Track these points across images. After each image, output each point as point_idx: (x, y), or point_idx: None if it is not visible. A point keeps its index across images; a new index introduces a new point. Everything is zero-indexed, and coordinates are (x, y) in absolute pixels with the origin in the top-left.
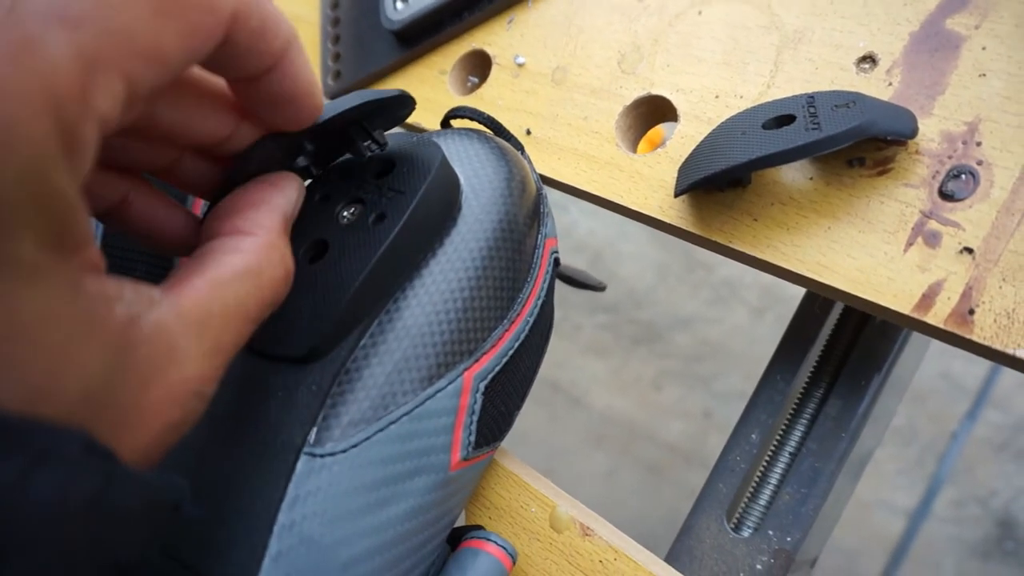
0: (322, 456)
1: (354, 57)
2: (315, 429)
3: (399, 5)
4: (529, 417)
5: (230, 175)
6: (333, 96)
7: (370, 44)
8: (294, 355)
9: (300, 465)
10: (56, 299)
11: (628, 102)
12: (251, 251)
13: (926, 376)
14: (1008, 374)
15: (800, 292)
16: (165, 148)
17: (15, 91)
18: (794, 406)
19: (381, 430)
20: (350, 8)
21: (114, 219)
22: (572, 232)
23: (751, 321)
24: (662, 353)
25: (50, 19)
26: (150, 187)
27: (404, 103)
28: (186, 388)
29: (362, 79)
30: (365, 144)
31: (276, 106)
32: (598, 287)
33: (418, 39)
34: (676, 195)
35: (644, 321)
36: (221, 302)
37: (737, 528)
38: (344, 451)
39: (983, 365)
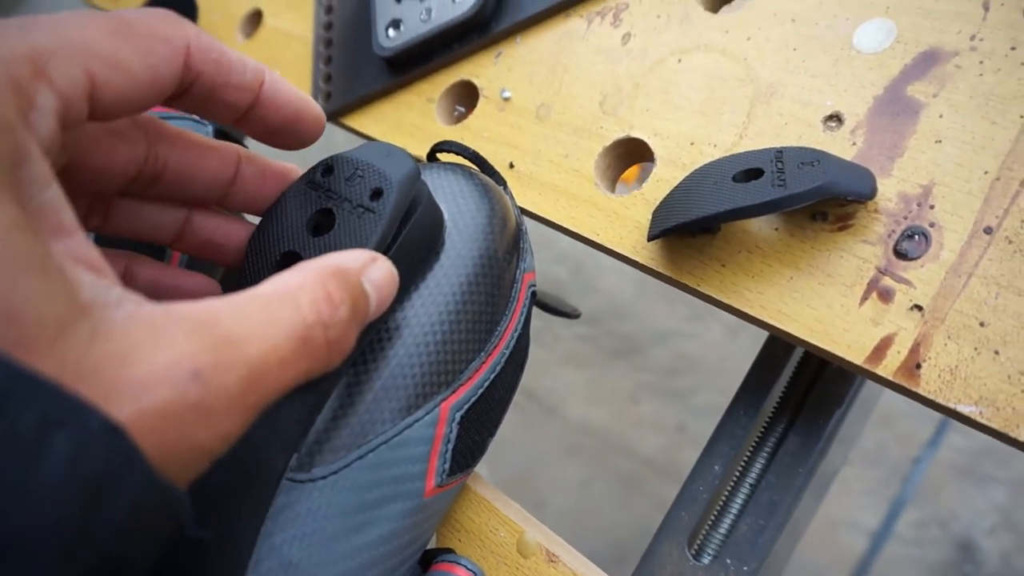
0: (303, 482)
1: (345, 79)
2: (296, 455)
3: (391, 32)
4: (506, 425)
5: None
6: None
7: (361, 68)
8: None
9: (282, 490)
10: None
11: (608, 143)
12: (290, 279)
13: (895, 399)
14: None
15: None
16: (174, 206)
17: None
18: (756, 440)
19: (360, 457)
20: (343, 29)
21: (182, 242)
22: (554, 244)
23: (726, 338)
24: (639, 366)
25: (8, 30)
26: (206, 210)
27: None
28: (177, 367)
29: (351, 101)
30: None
31: (282, 131)
32: (572, 314)
33: (408, 67)
34: (649, 239)
35: (623, 334)
36: (234, 310)
37: (697, 555)
38: (324, 477)
39: None
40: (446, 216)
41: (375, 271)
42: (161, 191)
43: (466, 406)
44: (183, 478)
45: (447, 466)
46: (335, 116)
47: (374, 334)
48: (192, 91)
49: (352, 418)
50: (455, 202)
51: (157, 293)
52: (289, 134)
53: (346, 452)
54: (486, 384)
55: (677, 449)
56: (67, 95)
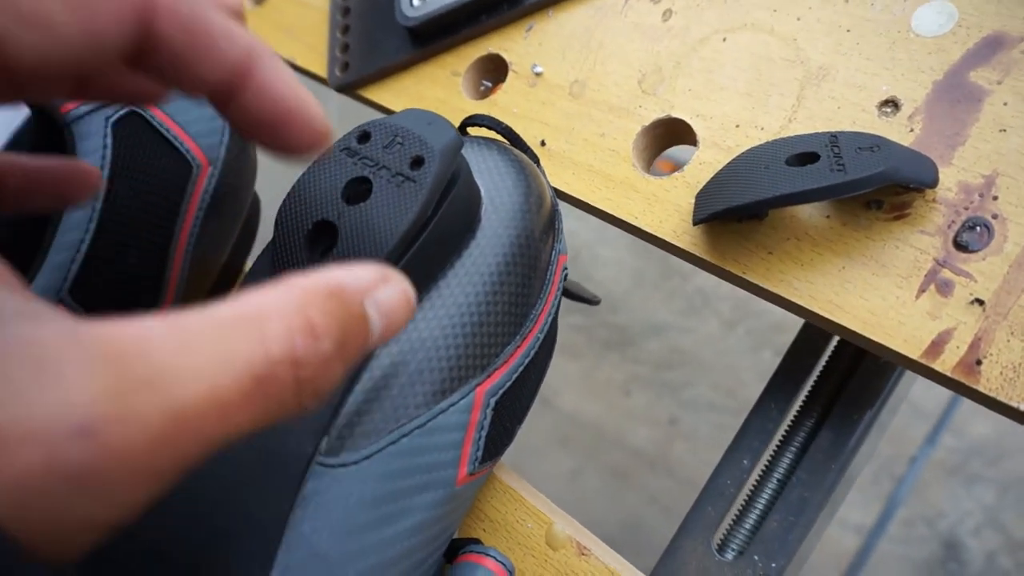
0: (333, 467)
1: (363, 50)
2: (326, 438)
3: (416, 2)
4: None
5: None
6: (340, 88)
7: (381, 38)
8: None
9: (310, 475)
10: None
11: (647, 123)
12: (266, 299)
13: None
14: (965, 399)
15: (775, 311)
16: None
17: None
18: (784, 434)
19: (393, 443)
20: None
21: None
22: None
23: (722, 332)
24: (633, 358)
25: None
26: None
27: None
28: (57, 421)
29: (371, 73)
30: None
31: (265, 126)
32: (593, 300)
33: (433, 38)
34: (695, 223)
35: (617, 325)
36: (173, 340)
37: (722, 550)
38: (356, 463)
39: (942, 391)
40: (482, 193)
41: (385, 292)
42: (150, 66)
43: (501, 391)
44: (64, 553)
45: (480, 453)
46: (353, 87)
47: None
48: (155, 58)
49: (385, 401)
50: (491, 179)
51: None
52: (275, 136)
53: (378, 436)
54: (520, 369)
55: (668, 442)
56: None
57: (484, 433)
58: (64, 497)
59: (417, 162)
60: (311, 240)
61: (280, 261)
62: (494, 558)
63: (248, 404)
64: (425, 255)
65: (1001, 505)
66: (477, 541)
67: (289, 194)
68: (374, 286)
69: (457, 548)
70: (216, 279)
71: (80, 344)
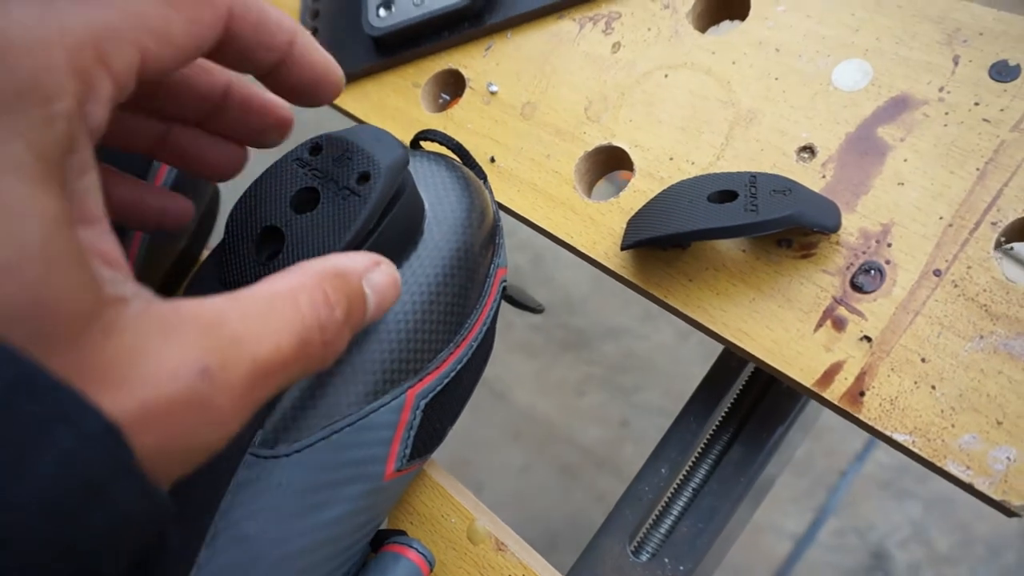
0: (266, 458)
1: (330, 53)
2: (261, 431)
3: (382, 12)
4: None
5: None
6: None
7: (348, 44)
8: None
9: (243, 465)
10: (17, 195)
11: (589, 148)
12: (290, 279)
13: (826, 415)
14: None
15: None
16: (156, 119)
17: (42, 42)
18: (702, 447)
19: (324, 438)
20: (331, 3)
21: (160, 152)
22: (516, 232)
23: (676, 342)
24: (588, 360)
25: (76, 3)
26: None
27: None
28: (186, 364)
29: None
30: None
31: (301, 90)
32: (536, 309)
33: (396, 49)
34: (623, 248)
35: (574, 327)
36: (239, 310)
37: (637, 552)
38: (287, 455)
39: None
40: (427, 206)
41: (377, 275)
42: (146, 103)
43: (431, 394)
44: (177, 473)
45: (408, 451)
46: None
47: None
48: (224, 50)
49: (319, 399)
50: (436, 193)
51: (134, 211)
52: (307, 95)
53: (311, 431)
54: (452, 374)
55: (618, 443)
56: (122, 79)
57: (413, 433)
58: (193, 421)
59: (364, 178)
60: (259, 244)
61: (229, 262)
62: (416, 549)
63: (296, 360)
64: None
65: (928, 520)
66: (402, 533)
67: (241, 198)
68: (369, 269)
69: (382, 538)
70: (173, 264)
71: (183, 315)
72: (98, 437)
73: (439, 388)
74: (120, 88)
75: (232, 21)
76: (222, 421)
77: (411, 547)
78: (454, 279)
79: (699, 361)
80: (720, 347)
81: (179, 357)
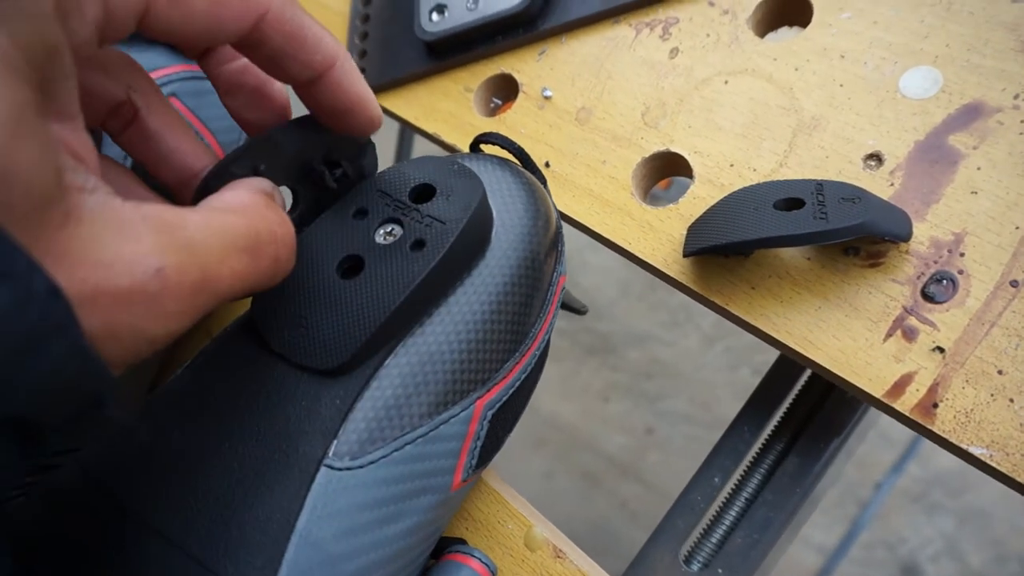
0: (340, 470)
1: (380, 58)
2: (335, 442)
3: (435, 17)
4: None
5: (205, 182)
6: None
7: (398, 48)
8: (322, 368)
9: (319, 477)
10: None
11: (647, 154)
12: (243, 198)
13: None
14: None
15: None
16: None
17: None
18: (755, 457)
19: (396, 450)
20: (382, 7)
21: (120, 124)
22: None
23: (702, 348)
24: (613, 366)
25: None
26: (164, 104)
27: (361, 149)
28: (141, 261)
29: (386, 82)
30: (332, 174)
31: (331, 114)
32: (581, 310)
33: (448, 53)
34: (685, 255)
35: (600, 333)
36: (197, 216)
37: (688, 561)
38: (362, 467)
39: None
40: (494, 213)
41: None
42: (123, 141)
43: (498, 404)
44: (121, 361)
45: (474, 462)
46: None
47: (416, 325)
48: (258, 51)
49: (392, 410)
50: (503, 200)
51: (150, 142)
52: (337, 121)
53: (384, 443)
54: (517, 384)
55: (642, 451)
56: (114, 9)
57: (480, 443)
58: (140, 315)
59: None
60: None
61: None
62: (479, 559)
63: (246, 272)
64: (438, 274)
65: (960, 535)
66: (463, 541)
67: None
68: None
69: (443, 546)
70: None
71: (144, 213)
72: (40, 298)
73: (505, 398)
74: (112, 18)
75: (266, 23)
76: (167, 320)
77: (473, 556)
78: (521, 288)
79: (725, 369)
80: (750, 354)
81: (136, 252)
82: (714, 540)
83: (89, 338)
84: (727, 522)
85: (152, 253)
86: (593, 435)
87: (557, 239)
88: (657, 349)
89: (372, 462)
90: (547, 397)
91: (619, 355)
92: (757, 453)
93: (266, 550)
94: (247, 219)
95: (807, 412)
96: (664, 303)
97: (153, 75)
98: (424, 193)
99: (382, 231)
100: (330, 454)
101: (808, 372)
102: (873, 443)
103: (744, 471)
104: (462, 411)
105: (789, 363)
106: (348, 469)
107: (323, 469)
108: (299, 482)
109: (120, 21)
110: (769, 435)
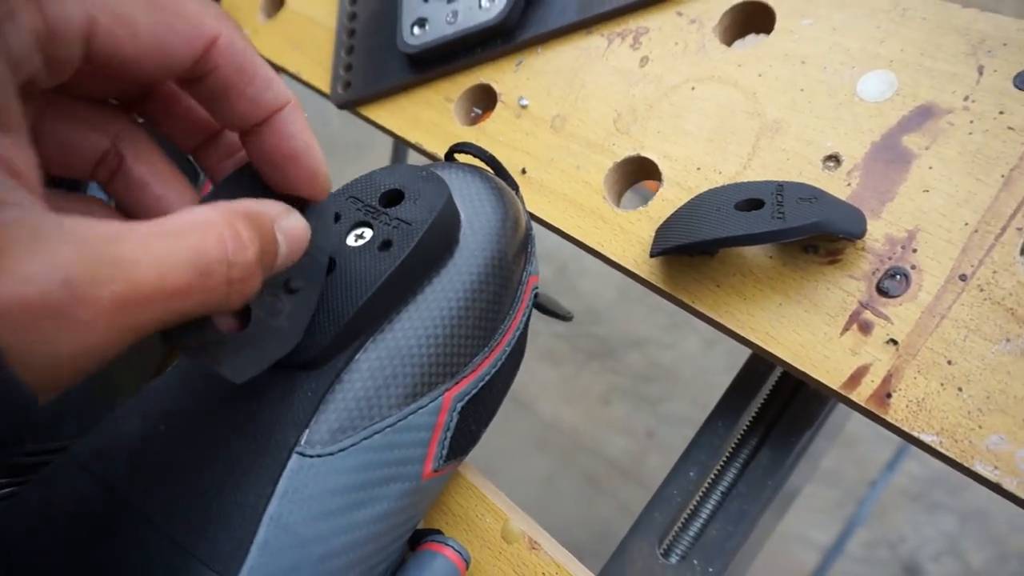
0: (311, 456)
1: (365, 71)
2: (307, 431)
3: (416, 31)
4: None
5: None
6: (341, 105)
7: (383, 61)
8: (295, 362)
9: (291, 463)
10: None
11: (618, 159)
12: (206, 214)
13: (857, 423)
14: None
15: None
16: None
17: None
18: (730, 451)
19: (366, 438)
20: (367, 22)
21: (108, 176)
22: (541, 242)
23: (702, 350)
24: (613, 369)
25: None
26: (152, 152)
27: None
28: (48, 273)
29: (372, 94)
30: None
31: (275, 167)
32: (565, 316)
33: (430, 65)
34: (652, 255)
35: (600, 336)
36: (135, 235)
37: (666, 555)
38: (332, 454)
39: None
40: (462, 216)
41: (288, 221)
42: (111, 190)
43: (467, 397)
44: (43, 384)
45: (445, 452)
46: (353, 105)
47: (386, 321)
48: (205, 83)
49: (362, 401)
50: (471, 203)
51: (138, 187)
52: (281, 174)
53: (353, 432)
54: (487, 378)
55: (643, 454)
56: (56, 24)
57: (449, 434)
58: (48, 328)
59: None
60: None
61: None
62: (453, 547)
63: (190, 293)
64: (404, 272)
65: (962, 533)
66: (439, 532)
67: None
68: (280, 215)
69: (420, 537)
70: None
71: (64, 229)
72: None
73: (474, 391)
74: (53, 32)
75: (216, 51)
76: (82, 336)
77: (448, 545)
78: (489, 285)
79: (724, 370)
80: (747, 355)
81: (43, 264)
82: (691, 533)
83: (5, 355)
84: (703, 515)
85: (62, 265)
86: (594, 438)
87: (527, 240)
88: (657, 352)
89: (342, 449)
90: (548, 401)
91: (619, 358)
92: (732, 448)
93: (238, 532)
94: (196, 236)
95: (780, 406)
96: (662, 306)
97: None
98: (394, 198)
99: (353, 234)
100: (302, 442)
101: (780, 369)
102: (872, 442)
103: (720, 466)
104: (431, 402)
105: (761, 360)
106: (319, 456)
107: (295, 456)
108: (272, 468)
109: (64, 38)
110: (744, 430)
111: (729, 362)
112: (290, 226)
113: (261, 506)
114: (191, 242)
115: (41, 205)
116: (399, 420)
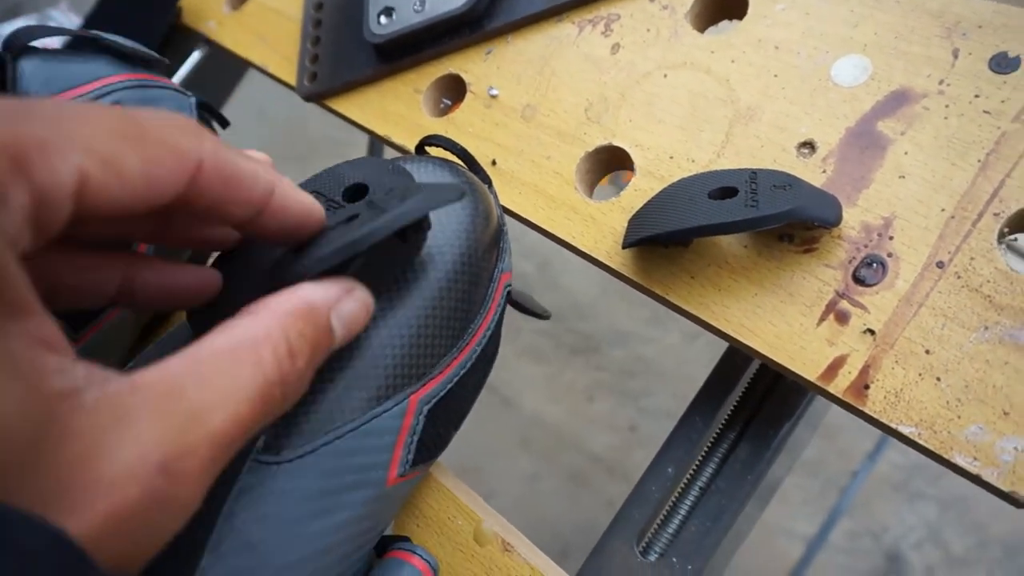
0: (268, 464)
1: (332, 62)
2: (263, 437)
3: (383, 20)
4: None
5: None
6: (307, 98)
7: (349, 52)
8: None
9: (246, 470)
10: None
11: (590, 148)
12: (263, 326)
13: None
14: None
15: None
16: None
17: None
18: (708, 446)
19: (327, 443)
20: (333, 12)
21: (129, 299)
22: (522, 238)
23: (684, 344)
24: (596, 365)
25: (3, 114)
26: (151, 260)
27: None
28: (144, 463)
29: (339, 86)
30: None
31: (282, 235)
32: (542, 315)
33: (397, 55)
34: (624, 247)
35: (583, 332)
36: (198, 376)
37: (645, 552)
38: (290, 460)
39: None
40: (430, 213)
41: (347, 305)
42: (132, 303)
43: (434, 400)
44: (144, 561)
45: (411, 457)
46: (320, 97)
47: None
48: (196, 205)
49: (322, 404)
50: None
51: (161, 294)
52: (285, 238)
53: (314, 437)
54: (455, 380)
55: (627, 449)
56: (47, 192)
57: (416, 439)
58: (155, 519)
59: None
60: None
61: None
62: (420, 556)
63: (255, 418)
64: (369, 269)
65: (943, 521)
66: (406, 539)
67: None
68: (338, 300)
69: (387, 544)
70: None
71: (140, 395)
72: (45, 554)
73: (442, 394)
74: (45, 202)
75: (202, 174)
76: (183, 510)
77: (415, 553)
78: (457, 283)
79: (707, 363)
80: (727, 347)
81: (136, 454)
82: (670, 530)
83: (109, 567)
84: (682, 512)
85: (153, 447)
86: (578, 435)
87: (499, 236)
88: (639, 347)
89: (300, 456)
90: (531, 398)
91: (602, 354)
92: (710, 443)
93: (189, 540)
94: (254, 360)
95: (759, 398)
96: (644, 301)
97: (98, 84)
98: (358, 193)
99: None
100: (258, 447)
101: (757, 362)
102: (853, 432)
103: (698, 461)
104: (395, 406)
105: (739, 353)
106: (276, 463)
107: (249, 463)
108: (225, 475)
109: (56, 202)
110: (722, 424)
111: (711, 355)
112: (348, 310)
113: (212, 514)
114: (249, 368)
115: (103, 371)
116: (361, 424)
